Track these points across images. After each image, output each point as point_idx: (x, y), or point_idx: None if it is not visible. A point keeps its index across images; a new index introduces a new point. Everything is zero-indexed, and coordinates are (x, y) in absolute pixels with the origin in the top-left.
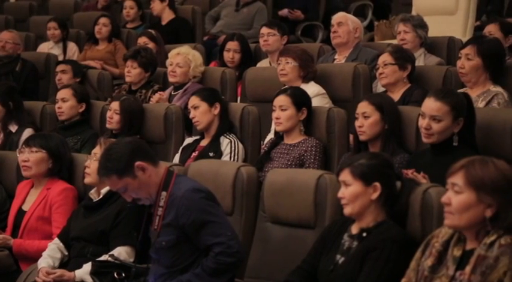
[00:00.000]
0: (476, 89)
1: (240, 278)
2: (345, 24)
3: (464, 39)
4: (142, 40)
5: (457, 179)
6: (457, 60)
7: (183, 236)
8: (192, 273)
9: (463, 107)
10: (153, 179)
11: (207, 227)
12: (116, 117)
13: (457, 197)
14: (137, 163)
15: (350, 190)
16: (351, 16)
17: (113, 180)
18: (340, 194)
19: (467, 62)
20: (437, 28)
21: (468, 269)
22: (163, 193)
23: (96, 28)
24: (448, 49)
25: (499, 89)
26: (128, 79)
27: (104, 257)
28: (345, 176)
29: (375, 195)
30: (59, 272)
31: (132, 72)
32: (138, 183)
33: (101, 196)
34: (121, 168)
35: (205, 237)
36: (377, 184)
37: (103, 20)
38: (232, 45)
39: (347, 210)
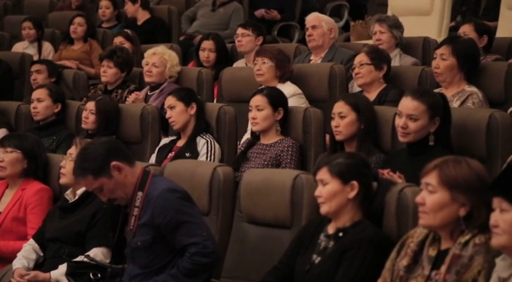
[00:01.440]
0: (451, 89)
1: (217, 278)
2: (319, 26)
3: (439, 40)
4: (118, 40)
5: (431, 178)
6: (432, 60)
7: (159, 236)
8: (167, 274)
9: (439, 107)
10: (129, 179)
11: (182, 227)
12: (92, 118)
13: (430, 196)
14: (113, 163)
15: (327, 188)
16: (324, 17)
17: (88, 180)
18: (317, 193)
19: (442, 61)
20: (412, 28)
21: (443, 268)
22: (139, 193)
23: (72, 28)
24: (423, 49)
25: (473, 88)
26: (103, 79)
27: (80, 258)
28: (323, 174)
29: (352, 194)
30: (33, 273)
31: (108, 72)
32: (114, 183)
33: (76, 197)
34: (97, 168)
35: (181, 237)
36: (354, 183)
37: (78, 20)
38: (207, 44)
39: (324, 209)
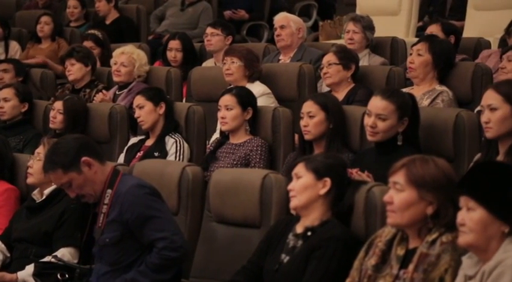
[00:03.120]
0: (422, 87)
1: (186, 278)
2: (287, 26)
3: (407, 40)
4: (88, 44)
5: (398, 177)
6: (408, 57)
7: (127, 232)
8: (136, 270)
9: (408, 107)
10: (98, 176)
11: (150, 222)
12: (60, 117)
13: (398, 195)
14: (83, 158)
15: (300, 182)
16: (292, 17)
17: (58, 174)
18: (289, 187)
19: (418, 57)
20: (380, 28)
21: (411, 267)
22: (109, 191)
23: (38, 27)
24: (391, 49)
25: (444, 88)
26: (71, 78)
27: (47, 258)
28: (299, 168)
29: (323, 191)
30: None
31: (72, 69)
32: (83, 178)
33: (44, 197)
34: (67, 162)
35: (149, 232)
36: (327, 180)
37: (45, 19)
38: (174, 44)
39: (293, 203)
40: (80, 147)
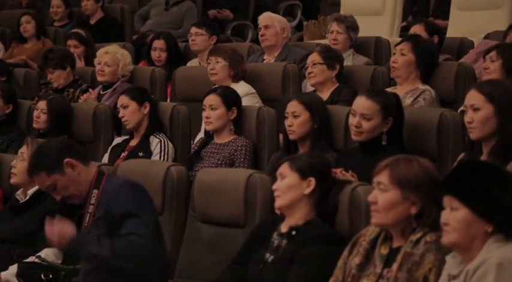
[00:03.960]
0: (405, 86)
1: (170, 278)
2: (271, 26)
3: (392, 40)
4: (72, 43)
5: (382, 177)
6: (392, 56)
7: (113, 229)
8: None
9: (392, 107)
10: (83, 177)
11: (132, 219)
12: (43, 117)
13: (382, 195)
14: (66, 160)
15: (285, 181)
16: (277, 16)
17: (41, 178)
18: (274, 186)
19: (401, 57)
20: (364, 28)
21: (395, 266)
22: (95, 191)
23: (21, 28)
24: (375, 49)
25: (427, 87)
26: (55, 85)
27: (31, 259)
28: (283, 168)
29: (308, 190)
30: None
31: (53, 77)
32: (67, 180)
33: (27, 197)
34: (50, 164)
35: (126, 227)
36: (312, 179)
37: (25, 18)
38: (158, 44)
39: (278, 202)
40: (62, 149)
